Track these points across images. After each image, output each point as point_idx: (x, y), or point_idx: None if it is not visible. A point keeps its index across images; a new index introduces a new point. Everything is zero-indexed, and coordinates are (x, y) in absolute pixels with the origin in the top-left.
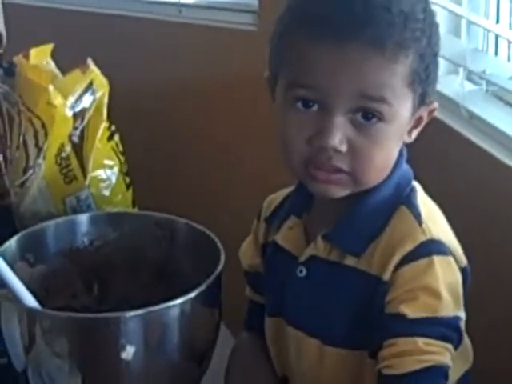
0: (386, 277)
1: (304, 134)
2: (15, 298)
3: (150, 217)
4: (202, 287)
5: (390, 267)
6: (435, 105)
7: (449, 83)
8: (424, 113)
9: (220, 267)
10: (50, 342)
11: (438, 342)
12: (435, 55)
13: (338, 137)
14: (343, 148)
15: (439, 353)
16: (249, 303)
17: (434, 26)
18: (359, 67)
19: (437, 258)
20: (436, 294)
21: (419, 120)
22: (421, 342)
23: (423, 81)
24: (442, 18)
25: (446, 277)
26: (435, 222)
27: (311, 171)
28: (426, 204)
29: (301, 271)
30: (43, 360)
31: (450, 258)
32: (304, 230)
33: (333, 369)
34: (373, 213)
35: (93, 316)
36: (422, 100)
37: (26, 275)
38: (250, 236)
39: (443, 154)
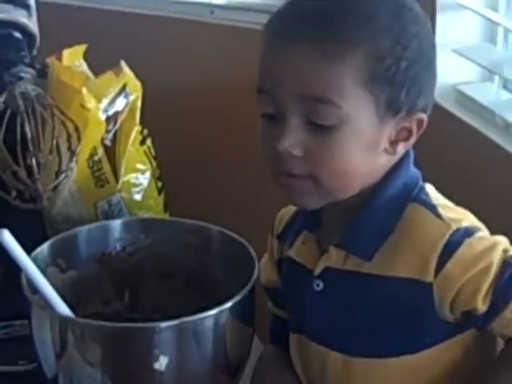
0: (429, 278)
1: (268, 143)
2: (47, 305)
3: (183, 224)
4: (237, 297)
5: (431, 268)
6: (422, 116)
7: (484, 91)
8: (410, 124)
9: (254, 276)
10: (81, 349)
11: None
12: (409, 60)
13: (290, 140)
14: (296, 152)
15: None
16: (272, 317)
17: (408, 30)
18: (298, 66)
19: (470, 239)
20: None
21: (408, 132)
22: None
23: (386, 83)
24: (478, 26)
25: (485, 243)
26: (453, 210)
27: (280, 180)
28: (438, 198)
29: (317, 285)
30: (75, 367)
31: (481, 233)
32: (317, 243)
33: (362, 381)
34: (381, 213)
35: (126, 325)
36: (390, 106)
37: (58, 280)
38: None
39: (478, 164)
